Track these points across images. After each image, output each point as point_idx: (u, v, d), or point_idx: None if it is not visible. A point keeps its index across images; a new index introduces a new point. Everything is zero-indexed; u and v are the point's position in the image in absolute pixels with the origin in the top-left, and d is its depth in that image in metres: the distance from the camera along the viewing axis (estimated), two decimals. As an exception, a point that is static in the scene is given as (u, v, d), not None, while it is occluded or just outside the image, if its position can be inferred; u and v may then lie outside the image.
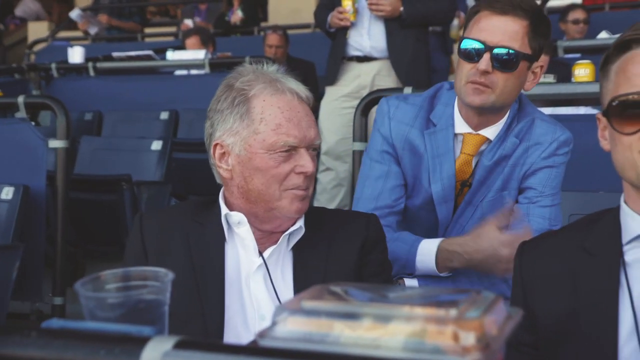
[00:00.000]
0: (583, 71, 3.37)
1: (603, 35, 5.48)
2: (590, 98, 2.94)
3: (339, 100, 4.19)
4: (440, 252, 2.00)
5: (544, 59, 3.46)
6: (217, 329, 1.56)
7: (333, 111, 4.20)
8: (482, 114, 2.04)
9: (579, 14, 5.93)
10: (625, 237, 1.38)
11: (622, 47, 1.37)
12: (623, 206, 1.40)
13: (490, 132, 2.07)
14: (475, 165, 2.09)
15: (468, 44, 1.98)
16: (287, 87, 1.61)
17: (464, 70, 1.99)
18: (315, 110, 4.39)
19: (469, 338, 0.76)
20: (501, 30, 1.95)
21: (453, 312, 0.79)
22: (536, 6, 2.07)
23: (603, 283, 1.37)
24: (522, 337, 1.46)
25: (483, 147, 2.09)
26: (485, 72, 1.94)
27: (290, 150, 1.57)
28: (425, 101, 2.14)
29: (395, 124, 2.12)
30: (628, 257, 1.37)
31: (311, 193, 1.65)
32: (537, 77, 2.08)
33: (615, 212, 1.42)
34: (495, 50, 1.94)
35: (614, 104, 1.33)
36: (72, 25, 9.03)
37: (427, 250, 2.02)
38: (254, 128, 1.57)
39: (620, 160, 1.34)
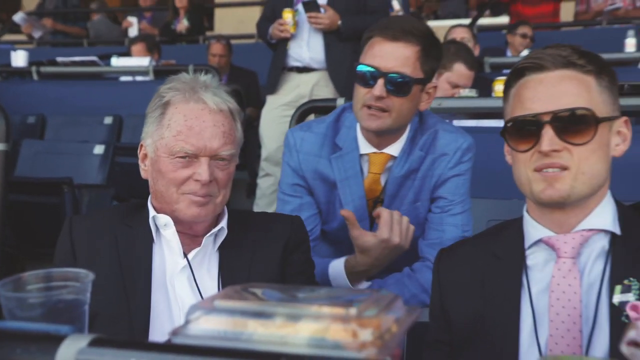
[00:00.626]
0: (502, 86, 3.46)
1: (524, 53, 5.65)
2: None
3: (279, 109, 4.19)
4: (348, 274, 2.00)
5: (465, 74, 3.55)
6: (143, 328, 1.55)
7: (273, 119, 4.21)
8: (381, 135, 2.05)
9: (526, 30, 6.04)
10: (527, 243, 1.44)
11: (518, 74, 1.43)
12: (525, 215, 1.47)
13: (394, 149, 2.08)
14: (385, 182, 2.10)
15: (363, 69, 1.98)
16: (201, 97, 1.60)
17: (360, 95, 1.99)
18: (257, 117, 4.41)
19: (366, 334, 0.79)
20: (394, 56, 1.96)
21: (353, 311, 0.81)
22: (427, 31, 2.06)
23: (507, 284, 1.43)
24: (439, 336, 1.51)
25: (390, 164, 2.09)
26: (380, 97, 1.94)
27: (190, 158, 1.56)
28: (329, 127, 2.13)
29: (304, 156, 2.12)
30: (529, 260, 1.44)
31: (222, 200, 1.63)
32: (431, 97, 2.09)
33: (519, 220, 1.49)
34: (389, 76, 1.94)
35: (509, 124, 1.42)
36: (16, 28, 8.81)
37: (337, 273, 2.02)
38: (161, 132, 1.59)
39: (517, 175, 1.42)
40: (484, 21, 6.99)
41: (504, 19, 7.17)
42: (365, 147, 2.09)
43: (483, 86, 3.79)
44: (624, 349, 0.72)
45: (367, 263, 1.96)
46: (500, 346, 1.38)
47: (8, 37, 9.26)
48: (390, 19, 2.07)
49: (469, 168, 2.10)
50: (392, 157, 2.08)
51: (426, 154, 2.07)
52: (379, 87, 1.94)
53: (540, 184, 1.36)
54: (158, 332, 1.56)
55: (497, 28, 6.62)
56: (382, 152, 2.08)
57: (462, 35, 4.50)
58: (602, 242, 1.38)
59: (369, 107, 1.97)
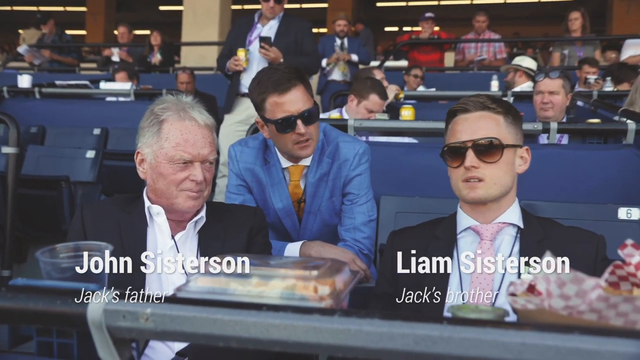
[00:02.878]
0: (407, 112, 3.57)
1: (421, 88, 5.81)
2: (412, 132, 3.12)
3: (234, 125, 4.19)
4: (301, 254, 2.01)
5: (379, 103, 3.63)
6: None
7: (229, 133, 4.18)
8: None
9: (417, 72, 6.21)
10: (459, 229, 1.55)
11: (452, 114, 1.59)
12: (458, 210, 1.59)
13: (306, 160, 2.09)
14: (305, 186, 2.11)
15: (280, 122, 1.95)
16: (190, 116, 1.61)
17: (288, 139, 1.97)
18: (217, 131, 4.40)
19: (325, 290, 0.82)
20: (297, 100, 1.94)
21: (314, 273, 0.85)
22: (297, 68, 2.03)
23: (443, 255, 1.50)
24: (386, 289, 1.59)
25: (305, 172, 2.11)
26: (304, 133, 1.94)
27: (186, 163, 1.58)
28: (261, 144, 2.13)
29: (243, 164, 2.12)
30: (459, 240, 1.55)
31: (207, 194, 1.64)
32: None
33: (454, 214, 1.60)
34: (301, 115, 1.94)
35: (445, 149, 1.55)
36: (19, 57, 8.46)
37: (291, 252, 2.03)
38: (161, 144, 1.58)
39: (452, 183, 1.56)
40: (389, 64, 7.12)
41: (403, 63, 7.32)
42: (285, 163, 2.10)
43: (391, 111, 3.90)
44: (508, 299, 0.78)
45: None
46: (433, 295, 1.48)
47: (14, 64, 8.88)
48: (270, 73, 1.99)
49: (367, 167, 2.13)
50: (306, 167, 2.10)
51: (333, 161, 2.09)
52: (300, 126, 1.93)
53: (466, 190, 1.51)
54: None
55: (399, 69, 6.77)
56: (298, 165, 2.10)
57: (380, 75, 4.58)
58: (511, 232, 1.53)
59: (299, 142, 1.97)
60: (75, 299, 0.75)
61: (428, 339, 0.69)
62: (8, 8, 18.73)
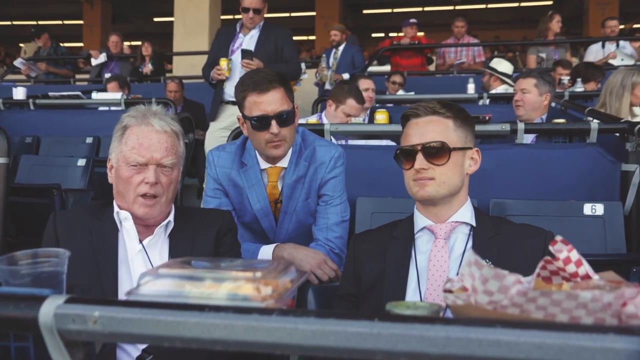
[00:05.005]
0: (381, 116, 3.58)
1: (400, 92, 5.82)
2: (386, 135, 3.13)
3: (218, 132, 4.21)
4: (274, 256, 2.03)
5: (356, 107, 3.64)
6: (112, 295, 1.54)
7: (214, 139, 4.21)
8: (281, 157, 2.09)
9: (397, 78, 6.22)
10: (416, 229, 1.56)
11: (405, 118, 1.61)
12: (415, 211, 1.60)
13: (284, 162, 2.11)
14: (282, 187, 2.12)
15: (255, 120, 1.98)
16: (148, 122, 1.62)
17: (262, 137, 1.99)
18: (204, 138, 4.39)
19: (267, 290, 0.83)
20: (272, 101, 1.97)
21: (259, 274, 0.85)
22: (280, 73, 2.07)
23: (401, 254, 1.54)
24: (349, 290, 1.60)
25: (282, 173, 2.12)
26: (277, 133, 1.97)
27: (141, 166, 1.59)
28: (238, 148, 2.15)
29: (220, 168, 2.13)
30: (417, 240, 1.56)
31: (166, 200, 1.63)
32: (297, 117, 2.10)
33: (411, 215, 1.61)
34: (277, 116, 1.97)
35: (397, 151, 1.57)
36: (16, 70, 8.44)
37: (265, 254, 2.04)
38: (121, 148, 1.61)
39: (405, 184, 1.57)
40: (373, 69, 7.14)
41: (387, 68, 7.35)
42: (263, 164, 2.12)
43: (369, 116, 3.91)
44: (441, 294, 0.79)
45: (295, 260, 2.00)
46: (393, 293, 1.49)
47: (10, 77, 8.86)
48: (253, 74, 2.03)
49: (342, 171, 2.15)
50: (284, 168, 2.11)
51: (309, 164, 2.10)
52: (274, 126, 1.96)
53: (416, 188, 1.53)
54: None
55: (382, 74, 6.79)
56: (276, 166, 2.11)
57: (367, 85, 4.55)
58: (464, 230, 1.55)
59: (272, 141, 1.98)
60: (27, 304, 0.75)
61: (359, 336, 0.70)
62: (8, 22, 18.66)
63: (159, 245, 1.64)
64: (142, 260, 1.61)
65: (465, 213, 1.55)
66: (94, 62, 7.71)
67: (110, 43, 7.72)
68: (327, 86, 6.48)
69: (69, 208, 3.41)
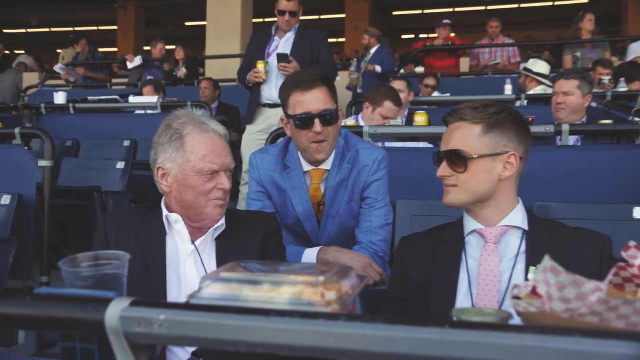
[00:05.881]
0: (420, 118, 3.54)
1: (435, 94, 5.76)
2: (426, 137, 3.10)
3: (255, 135, 4.21)
4: (318, 260, 2.01)
5: (393, 109, 3.61)
6: (161, 297, 1.55)
7: (251, 142, 4.21)
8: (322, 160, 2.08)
9: (430, 81, 6.12)
10: (465, 232, 1.53)
11: (445, 123, 1.58)
12: (465, 214, 1.57)
13: (327, 164, 2.09)
14: (324, 190, 2.10)
15: (299, 118, 1.97)
16: (211, 128, 1.61)
17: (304, 136, 1.99)
18: (238, 140, 4.42)
19: (331, 295, 0.82)
20: (316, 100, 1.97)
21: (321, 278, 0.84)
22: (324, 74, 2.07)
23: (451, 258, 1.51)
24: (396, 293, 1.58)
25: (325, 176, 2.10)
26: (320, 133, 1.96)
27: (214, 173, 1.58)
28: (280, 151, 2.14)
29: (263, 171, 2.12)
30: (467, 244, 1.53)
31: (228, 201, 1.65)
32: (341, 117, 2.09)
33: (461, 219, 1.58)
34: (320, 114, 1.96)
35: (434, 155, 1.57)
36: (57, 75, 8.66)
37: (309, 258, 2.02)
38: (186, 157, 1.58)
39: None
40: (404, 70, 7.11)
41: (420, 69, 7.29)
42: (306, 166, 2.10)
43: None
44: (511, 302, 0.76)
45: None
46: (443, 298, 1.47)
47: (50, 82, 9.08)
48: (297, 74, 2.05)
49: (386, 174, 2.13)
50: (327, 171, 2.09)
51: (352, 166, 2.08)
52: (318, 124, 1.95)
53: (444, 195, 1.53)
54: (172, 300, 1.55)
55: (415, 76, 6.73)
56: (319, 169, 2.10)
57: (399, 87, 4.51)
58: (517, 234, 1.50)
59: (315, 142, 1.97)
60: (94, 307, 0.76)
61: (430, 343, 0.68)
62: (47, 30, 19.17)
63: (207, 248, 1.64)
64: (194, 261, 1.61)
65: (517, 217, 1.51)
66: (129, 65, 7.84)
67: (158, 50, 7.83)
68: (358, 90, 6.45)
69: (109, 210, 3.47)
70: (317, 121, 1.96)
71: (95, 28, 18.80)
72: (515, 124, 1.51)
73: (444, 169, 1.50)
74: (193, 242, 1.62)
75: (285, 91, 2.03)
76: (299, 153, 2.10)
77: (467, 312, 0.80)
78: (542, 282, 0.71)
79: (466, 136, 1.48)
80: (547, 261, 0.70)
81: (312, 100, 1.96)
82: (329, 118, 1.97)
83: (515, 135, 1.50)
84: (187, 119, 1.62)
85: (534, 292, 0.79)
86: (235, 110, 5.93)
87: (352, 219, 2.13)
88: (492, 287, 1.43)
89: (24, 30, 19.18)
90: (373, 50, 6.81)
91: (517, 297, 0.79)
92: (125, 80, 9.30)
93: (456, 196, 1.48)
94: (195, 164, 1.57)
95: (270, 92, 4.14)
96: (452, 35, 7.47)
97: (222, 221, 1.65)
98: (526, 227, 1.50)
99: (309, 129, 1.96)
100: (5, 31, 19.22)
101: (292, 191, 2.09)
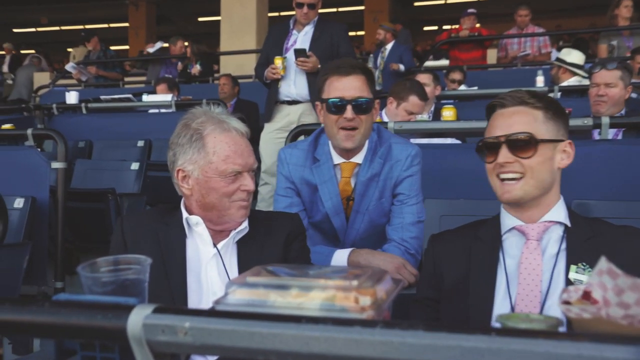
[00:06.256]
0: (448, 113, 3.50)
1: (462, 87, 5.70)
2: (454, 132, 3.05)
3: (274, 133, 4.20)
4: (350, 262, 2.00)
5: (418, 104, 3.57)
6: (182, 303, 1.54)
7: (269, 140, 4.21)
8: (351, 150, 2.08)
9: (457, 75, 6.06)
10: (503, 230, 1.50)
11: (490, 109, 1.55)
12: (502, 210, 1.54)
13: (358, 157, 2.10)
14: (355, 184, 2.11)
15: (332, 102, 1.99)
16: (232, 127, 1.59)
17: (333, 121, 2.00)
18: (257, 139, 4.42)
19: (366, 301, 0.80)
20: (352, 86, 1.99)
21: (355, 283, 0.82)
22: (365, 65, 2.10)
23: (488, 257, 1.48)
24: (428, 294, 1.56)
25: (356, 170, 2.10)
26: (351, 119, 1.97)
27: (237, 174, 1.57)
28: (310, 145, 2.15)
29: (292, 166, 2.13)
30: (504, 242, 1.50)
31: (251, 202, 1.64)
32: (377, 111, 2.10)
33: (497, 216, 1.56)
34: (354, 102, 1.98)
35: (479, 144, 1.51)
36: (68, 75, 8.77)
37: (340, 259, 2.02)
38: (208, 159, 1.56)
39: (490, 181, 1.51)
40: (429, 64, 7.04)
41: (444, 62, 7.22)
42: (337, 159, 2.11)
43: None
44: (561, 307, 0.74)
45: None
46: (480, 299, 1.44)
47: (61, 81, 9.20)
48: (337, 61, 2.10)
49: (419, 170, 2.13)
50: (358, 165, 2.10)
51: (384, 161, 2.09)
52: (349, 111, 1.97)
53: (501, 189, 1.47)
54: (193, 306, 1.55)
55: (439, 69, 6.67)
56: (350, 162, 2.10)
57: (424, 80, 4.46)
58: (558, 231, 1.47)
59: (344, 128, 1.98)
60: (115, 314, 0.75)
61: (475, 351, 0.66)
62: (57, 28, 19.45)
63: (229, 251, 1.63)
64: (216, 265, 1.60)
65: (559, 212, 1.48)
66: (150, 50, 7.87)
67: (178, 48, 7.86)
68: (377, 87, 6.42)
69: (124, 213, 3.49)
70: (349, 107, 1.97)
71: (106, 25, 19.02)
72: (565, 113, 1.51)
73: (505, 155, 1.43)
74: (215, 245, 1.61)
75: (323, 75, 2.06)
76: (330, 145, 2.11)
77: (512, 318, 0.77)
78: (597, 286, 0.68)
79: (531, 120, 1.45)
80: (603, 263, 0.67)
81: (348, 86, 1.98)
82: (363, 107, 1.99)
83: (566, 124, 1.51)
84: (207, 118, 1.60)
85: (585, 297, 0.76)
86: (253, 106, 5.93)
87: (382, 216, 2.13)
88: (533, 287, 1.40)
89: (33, 29, 19.47)
90: (389, 46, 6.77)
91: (567, 302, 0.76)
92: (138, 79, 9.38)
93: (523, 188, 1.43)
94: (217, 165, 1.56)
95: (289, 88, 4.14)
96: (478, 25, 7.38)
97: (245, 224, 1.64)
98: (568, 223, 1.47)
99: (340, 114, 1.98)
100: (15, 30, 19.54)
101: (321, 185, 2.10)
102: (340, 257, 2.01)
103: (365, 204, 2.10)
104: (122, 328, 0.75)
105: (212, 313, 0.76)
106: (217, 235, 1.63)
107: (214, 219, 1.60)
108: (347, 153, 2.08)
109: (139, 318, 0.74)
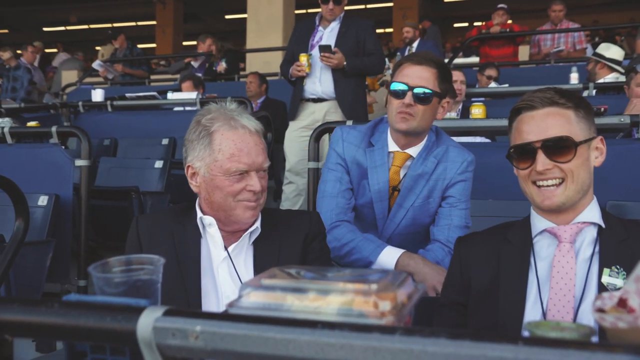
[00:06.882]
0: (477, 110, 3.43)
1: (492, 85, 5.60)
2: (483, 130, 3.00)
3: (298, 131, 4.18)
4: (400, 262, 2.00)
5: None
6: (196, 305, 1.52)
7: (294, 139, 4.19)
8: (406, 137, 2.10)
9: (492, 72, 5.93)
10: (534, 232, 1.45)
11: (516, 112, 1.48)
12: (532, 212, 1.48)
13: (413, 150, 2.13)
14: (403, 176, 2.12)
15: (396, 86, 2.04)
16: (240, 124, 1.55)
17: (394, 105, 2.05)
18: (283, 138, 4.41)
19: (385, 305, 0.77)
20: (418, 76, 2.03)
21: (374, 286, 0.79)
22: (441, 60, 2.15)
23: (518, 260, 1.44)
24: (456, 298, 1.51)
25: (408, 162, 2.13)
26: (409, 105, 2.00)
27: (242, 173, 1.53)
28: (368, 129, 2.19)
29: (347, 144, 2.17)
30: (535, 244, 1.45)
31: (263, 202, 1.60)
32: (445, 110, 2.13)
33: (527, 217, 1.50)
34: (415, 90, 2.01)
35: (511, 150, 1.46)
36: (94, 73, 8.90)
37: (390, 256, 2.02)
38: (214, 157, 1.53)
39: (522, 188, 1.46)
40: (458, 61, 6.94)
41: (474, 59, 7.11)
42: (392, 146, 2.14)
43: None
44: (595, 315, 0.70)
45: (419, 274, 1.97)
46: (510, 304, 1.40)
47: (88, 79, 9.35)
48: (415, 52, 2.18)
49: (471, 177, 2.14)
50: (410, 158, 2.12)
51: (439, 162, 2.11)
52: (409, 97, 2.01)
53: (540, 196, 1.41)
54: (208, 309, 1.53)
55: (469, 66, 6.58)
56: (404, 152, 2.13)
57: (455, 77, 4.40)
58: (592, 232, 1.42)
59: (401, 112, 2.03)
60: (125, 316, 0.73)
61: (501, 362, 0.63)
62: (85, 26, 19.79)
63: (243, 253, 1.61)
64: (227, 268, 1.58)
65: (593, 212, 1.42)
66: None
67: (207, 46, 7.87)
68: None
69: (147, 211, 3.51)
70: (409, 94, 2.01)
71: (133, 24, 19.28)
72: (592, 109, 1.47)
73: (544, 162, 1.37)
74: (226, 248, 1.58)
75: (399, 60, 2.13)
76: (388, 132, 2.15)
77: (542, 326, 0.73)
78: (634, 293, 0.64)
79: (565, 122, 1.40)
80: (639, 268, 0.63)
81: (415, 75, 2.03)
82: (422, 96, 2.02)
83: (594, 120, 1.46)
84: (217, 114, 1.57)
85: (621, 304, 0.71)
86: (281, 105, 5.92)
87: (426, 216, 2.15)
88: (566, 292, 1.35)
89: (63, 28, 19.84)
90: (415, 44, 6.70)
91: (601, 310, 0.72)
92: (164, 76, 9.48)
93: (565, 193, 1.37)
94: (222, 163, 1.52)
95: (314, 86, 4.12)
96: (510, 21, 7.25)
97: (257, 224, 1.61)
98: (602, 224, 1.41)
99: (401, 99, 2.02)
100: (45, 29, 19.95)
101: (372, 169, 2.13)
102: (391, 254, 2.03)
103: (411, 200, 2.12)
104: (131, 331, 0.73)
105: (224, 317, 0.74)
106: (230, 236, 1.61)
107: (222, 219, 1.58)
108: (403, 142, 2.12)
109: (149, 320, 0.73)
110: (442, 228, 2.09)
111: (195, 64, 7.85)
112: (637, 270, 0.64)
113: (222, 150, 1.53)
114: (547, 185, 1.39)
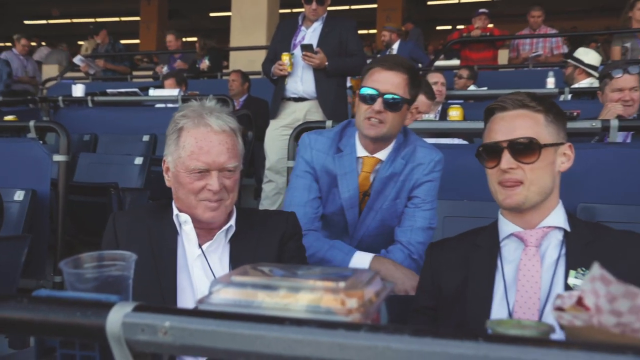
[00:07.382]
0: (455, 113, 3.46)
1: (472, 87, 5.65)
2: (461, 132, 3.03)
3: (279, 130, 4.18)
4: (370, 268, 1.98)
5: (426, 103, 3.55)
6: (172, 302, 1.52)
7: (274, 138, 4.19)
8: (375, 142, 2.07)
9: (464, 72, 6.03)
10: (501, 236, 1.48)
11: (489, 112, 1.51)
12: (500, 216, 1.51)
13: (382, 154, 2.10)
14: (373, 180, 2.10)
15: (366, 91, 2.01)
16: (205, 122, 1.54)
17: (363, 110, 2.01)
18: (264, 135, 4.40)
19: (352, 303, 0.78)
20: (389, 81, 1.99)
21: (342, 284, 0.80)
22: (412, 64, 2.11)
23: (486, 264, 1.46)
24: (426, 303, 1.53)
25: (378, 166, 2.10)
26: (379, 112, 1.98)
27: (203, 172, 1.53)
28: (336, 134, 2.15)
29: (316, 152, 2.13)
30: (503, 248, 1.47)
31: (230, 202, 1.59)
32: (413, 115, 2.12)
33: (495, 222, 1.53)
34: (386, 96, 1.98)
35: (480, 149, 1.48)
36: (76, 68, 8.80)
37: (359, 263, 2.00)
38: (178, 153, 1.54)
39: (489, 186, 1.48)
40: (440, 63, 6.99)
41: (455, 62, 7.18)
42: (361, 152, 2.11)
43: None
44: (553, 313, 0.71)
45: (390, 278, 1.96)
46: (477, 306, 1.42)
47: (69, 74, 9.24)
48: (386, 56, 2.13)
49: (439, 177, 2.13)
50: (380, 162, 2.10)
51: (407, 163, 2.09)
52: (378, 104, 1.98)
53: (502, 194, 1.43)
54: (183, 305, 1.53)
55: (450, 68, 6.63)
56: (373, 156, 2.10)
57: (435, 79, 4.43)
58: (558, 236, 1.44)
59: (369, 119, 1.99)
60: (94, 311, 0.73)
61: (462, 358, 0.64)
62: (68, 21, 19.54)
63: (219, 251, 1.60)
64: (201, 266, 1.57)
65: (558, 217, 1.45)
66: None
67: (167, 43, 7.85)
68: None
69: (126, 207, 3.49)
70: (379, 100, 1.98)
71: (117, 19, 19.09)
72: (564, 115, 1.49)
73: (508, 161, 1.40)
74: (200, 246, 1.58)
75: (369, 64, 2.09)
76: (356, 137, 2.12)
77: (503, 324, 0.75)
78: (589, 293, 0.65)
79: (533, 124, 1.43)
80: (596, 269, 0.65)
81: (385, 80, 1.99)
82: (392, 102, 1.99)
83: (565, 126, 1.49)
84: (190, 111, 1.57)
85: (579, 303, 0.73)
86: (263, 104, 5.91)
87: (394, 217, 2.13)
88: (532, 294, 1.37)
89: (44, 22, 19.58)
90: (395, 46, 6.73)
91: (560, 308, 0.73)
92: (147, 73, 9.40)
93: (525, 194, 1.40)
94: (184, 160, 1.53)
95: (296, 85, 4.12)
96: (490, 25, 7.33)
97: (231, 222, 1.61)
98: (568, 228, 1.44)
99: (370, 105, 1.99)
100: (26, 22, 19.65)
101: (341, 176, 2.10)
102: (361, 259, 2.01)
103: (380, 202, 2.10)
104: (100, 326, 0.73)
105: (193, 312, 0.74)
106: (206, 234, 1.61)
107: (192, 216, 1.58)
108: (371, 147, 2.09)
109: (118, 316, 0.73)
110: (404, 230, 2.08)
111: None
112: (593, 270, 0.66)
113: (185, 147, 1.54)
114: (509, 186, 1.42)
